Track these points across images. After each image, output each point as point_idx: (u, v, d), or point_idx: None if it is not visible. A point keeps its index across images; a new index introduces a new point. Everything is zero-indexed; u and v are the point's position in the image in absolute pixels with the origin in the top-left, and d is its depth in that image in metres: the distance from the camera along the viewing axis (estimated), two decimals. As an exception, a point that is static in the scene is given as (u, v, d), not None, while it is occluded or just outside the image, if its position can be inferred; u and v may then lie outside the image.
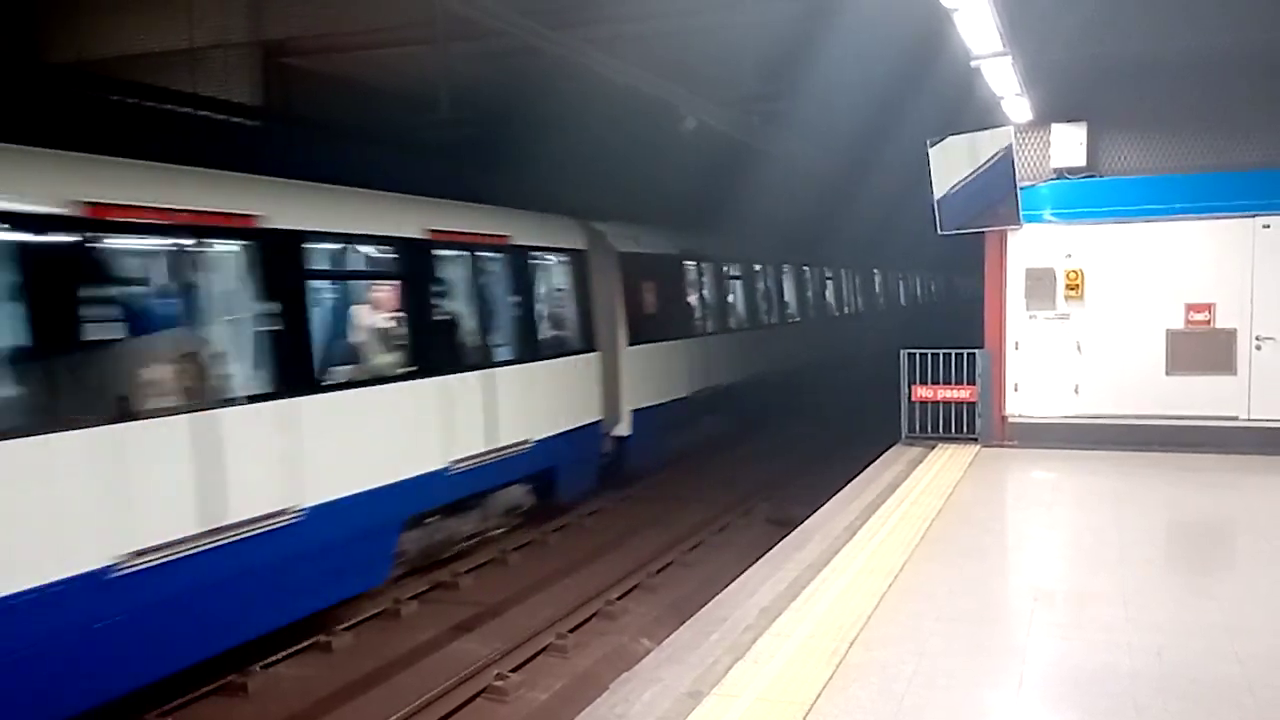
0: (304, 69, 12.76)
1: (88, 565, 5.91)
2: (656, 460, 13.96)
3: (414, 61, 11.93)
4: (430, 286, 9.37)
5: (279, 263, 7.52)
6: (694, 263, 15.77)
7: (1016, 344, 11.67)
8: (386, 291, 9.00)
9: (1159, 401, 11.22)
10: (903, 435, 11.99)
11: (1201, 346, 11.06)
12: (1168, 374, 11.18)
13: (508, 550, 10.47)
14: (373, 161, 9.49)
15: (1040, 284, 11.52)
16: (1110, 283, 11.35)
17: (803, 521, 8.49)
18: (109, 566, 6.01)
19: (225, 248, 7.27)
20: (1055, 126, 11.36)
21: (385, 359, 8.82)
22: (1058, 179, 11.47)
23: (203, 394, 6.81)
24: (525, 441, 10.47)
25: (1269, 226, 10.84)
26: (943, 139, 11.36)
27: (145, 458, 6.34)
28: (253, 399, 7.20)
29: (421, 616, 8.83)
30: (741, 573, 7.06)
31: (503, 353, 10.41)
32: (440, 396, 9.15)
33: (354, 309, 8.89)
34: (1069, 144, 11.31)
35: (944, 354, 11.77)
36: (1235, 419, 11.02)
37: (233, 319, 7.40)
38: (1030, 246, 11.52)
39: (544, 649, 7.97)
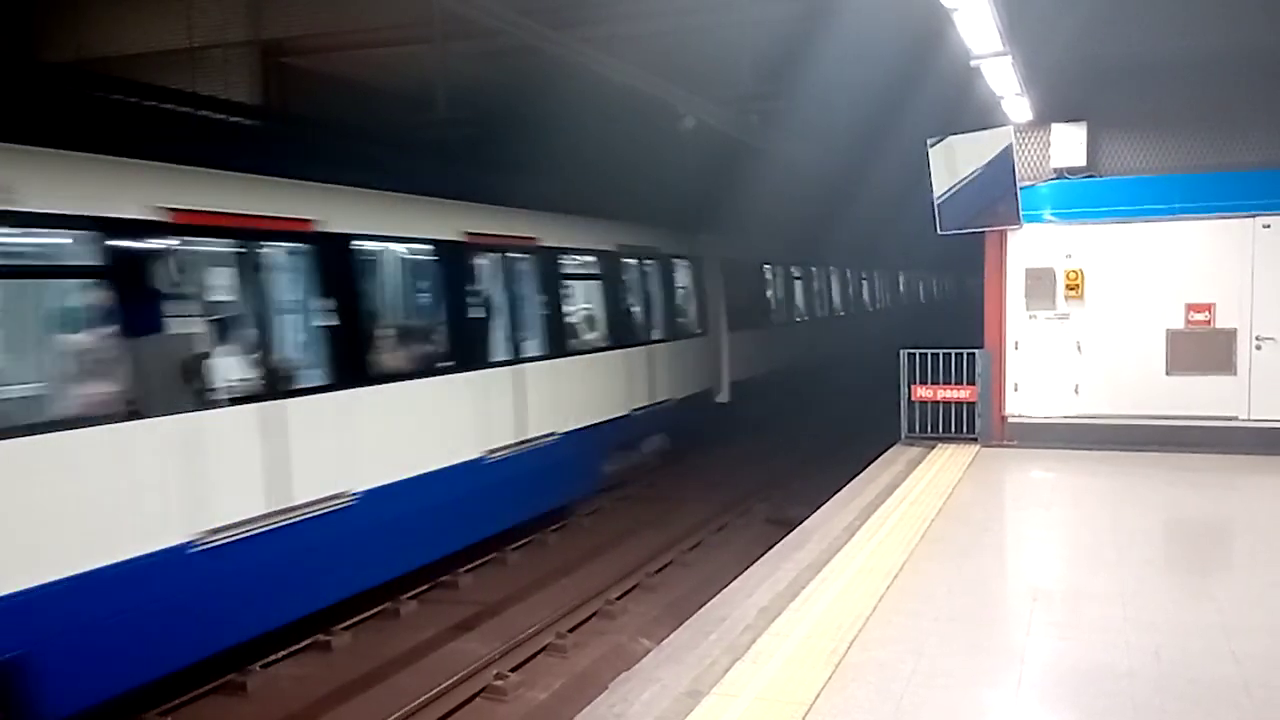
0: (303, 68, 12.77)
1: (473, 455, 9.53)
2: (744, 424, 16.74)
3: (412, 61, 11.93)
4: (618, 285, 13.04)
5: (547, 267, 11.16)
6: (769, 266, 19.43)
7: (1016, 344, 11.68)
8: (598, 287, 12.60)
9: (1159, 401, 11.21)
10: (902, 435, 12.00)
11: (1201, 346, 11.06)
12: (1168, 374, 11.19)
13: (507, 550, 10.48)
14: (586, 194, 12.75)
15: (1040, 284, 11.52)
16: (1110, 283, 11.35)
17: (802, 521, 8.50)
18: (481, 457, 9.61)
19: (526, 258, 10.91)
20: (1055, 126, 11.37)
21: (595, 334, 12.52)
22: (1058, 179, 11.48)
23: (528, 352, 10.63)
24: (669, 400, 14.07)
25: (1269, 226, 10.84)
26: (943, 139, 11.37)
27: (498, 393, 9.99)
28: (540, 358, 10.79)
29: (421, 616, 8.83)
30: (740, 573, 7.07)
31: (656, 333, 13.97)
32: (625, 363, 12.86)
33: (581, 299, 12.36)
34: (1069, 144, 11.32)
35: (944, 354, 11.77)
36: (1235, 419, 11.03)
37: (527, 305, 10.90)
38: (1030, 246, 11.52)
39: (543, 648, 7.98)
